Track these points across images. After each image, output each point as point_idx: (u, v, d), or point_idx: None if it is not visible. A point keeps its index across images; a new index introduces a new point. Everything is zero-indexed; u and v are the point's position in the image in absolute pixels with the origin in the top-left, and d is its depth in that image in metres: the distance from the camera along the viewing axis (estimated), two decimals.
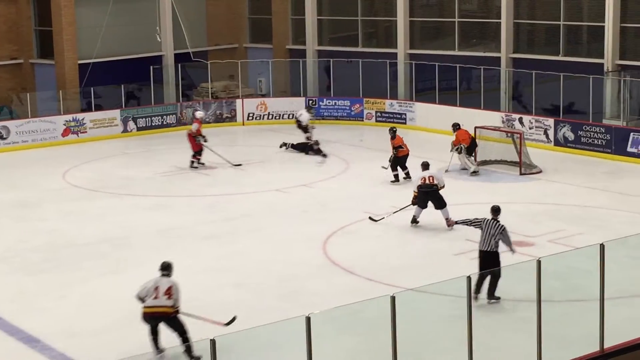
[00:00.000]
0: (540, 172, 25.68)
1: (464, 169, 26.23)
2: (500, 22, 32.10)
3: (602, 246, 12.18)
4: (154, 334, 14.12)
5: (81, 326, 15.81)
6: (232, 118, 34.79)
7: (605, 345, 12.31)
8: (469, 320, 11.36)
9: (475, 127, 27.13)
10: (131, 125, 33.31)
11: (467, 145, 26.09)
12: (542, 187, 24.54)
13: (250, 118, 34.45)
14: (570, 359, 12.08)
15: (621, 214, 21.67)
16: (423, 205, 21.04)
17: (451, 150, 26.19)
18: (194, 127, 27.75)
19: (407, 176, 25.00)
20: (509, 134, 27.19)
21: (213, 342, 9.88)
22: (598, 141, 27.89)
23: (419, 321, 14.77)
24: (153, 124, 33.70)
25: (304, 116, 29.90)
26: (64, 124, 32.14)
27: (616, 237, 18.64)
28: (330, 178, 26.18)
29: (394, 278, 17.38)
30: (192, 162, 27.40)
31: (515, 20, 32.04)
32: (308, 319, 10.32)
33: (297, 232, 21.09)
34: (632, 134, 27.33)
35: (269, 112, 34.70)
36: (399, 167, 25.20)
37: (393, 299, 10.80)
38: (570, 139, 28.40)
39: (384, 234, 20.80)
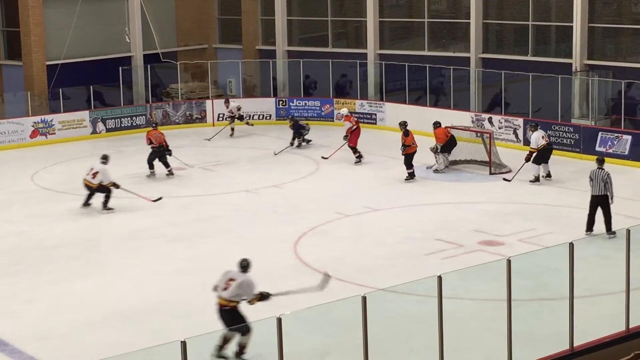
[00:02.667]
0: (509, 171, 25.79)
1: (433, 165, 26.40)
2: (469, 23, 32.22)
3: (571, 245, 12.25)
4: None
5: (50, 329, 15.70)
6: (202, 119, 34.68)
7: (575, 344, 12.38)
8: (440, 319, 11.38)
9: (445, 127, 27.21)
10: (100, 126, 33.13)
11: (442, 144, 26.20)
12: (512, 186, 24.64)
13: (220, 119, 34.37)
14: (540, 358, 12.13)
15: None
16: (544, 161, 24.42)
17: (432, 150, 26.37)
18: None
19: (411, 177, 25.19)
20: (479, 134, 27.30)
21: (184, 344, 9.83)
22: (567, 140, 28.07)
23: (390, 321, 14.81)
24: (122, 125, 33.53)
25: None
26: (32, 126, 31.91)
27: (585, 236, 18.79)
28: (301, 178, 26.17)
29: (364, 278, 17.39)
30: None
31: (484, 20, 32.17)
32: (279, 320, 10.30)
33: (267, 233, 21.05)
34: (600, 133, 27.53)
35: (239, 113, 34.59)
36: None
37: (364, 299, 10.80)
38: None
39: (354, 234, 20.82)
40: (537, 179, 24.55)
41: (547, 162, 24.83)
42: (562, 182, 24.90)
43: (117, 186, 22.98)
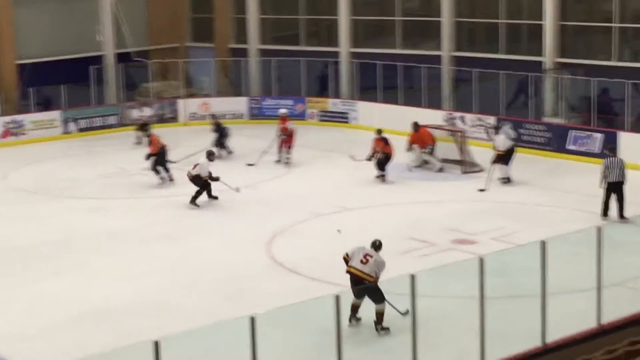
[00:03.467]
0: (482, 170, 25.88)
1: (418, 166, 26.36)
2: (441, 21, 32.32)
3: (543, 243, 12.32)
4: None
5: (24, 329, 15.62)
6: (174, 118, 34.58)
7: (547, 340, 12.46)
8: (413, 318, 11.42)
9: (424, 126, 27.29)
10: (72, 126, 32.95)
11: (432, 145, 26.25)
12: (484, 185, 24.73)
13: (192, 118, 34.27)
14: (513, 355, 12.20)
15: (562, 210, 21.95)
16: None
17: (417, 151, 26.28)
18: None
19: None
20: (451, 133, 27.38)
21: (157, 344, 9.81)
22: (538, 139, 28.21)
23: (363, 320, 14.86)
24: (94, 125, 33.36)
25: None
26: (4, 126, 31.69)
27: (557, 234, 18.89)
28: (275, 179, 26.15)
29: (338, 277, 17.38)
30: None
31: (457, 18, 32.29)
32: (252, 319, 10.30)
33: (241, 233, 21.04)
34: (571, 131, 27.69)
35: (211, 112, 34.57)
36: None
37: (337, 298, 10.82)
38: (512, 137, 28.61)
39: (327, 233, 20.82)
40: (508, 180, 24.62)
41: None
42: (533, 180, 25.02)
43: (215, 179, 23.22)
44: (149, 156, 25.62)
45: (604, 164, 21.06)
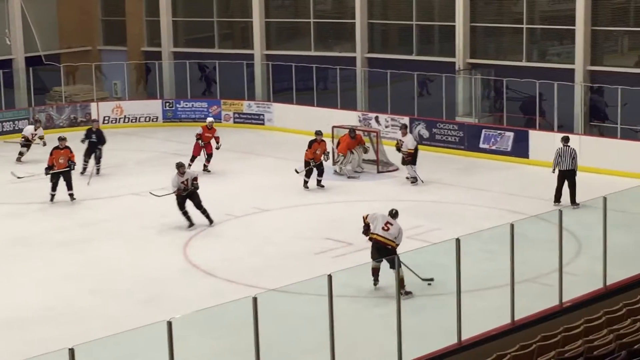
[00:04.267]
0: (397, 169, 26.09)
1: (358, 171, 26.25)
2: (354, 23, 32.49)
3: (457, 241, 12.46)
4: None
5: None
6: (87, 122, 34.04)
7: (463, 337, 12.60)
8: (331, 318, 11.44)
9: (333, 127, 27.39)
10: None
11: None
12: (400, 184, 24.95)
13: (105, 122, 33.83)
14: (429, 352, 12.31)
15: (475, 208, 22.25)
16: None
17: (357, 155, 26.18)
18: (200, 130, 26.89)
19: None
20: (366, 133, 27.54)
21: (72, 351, 9.66)
22: (452, 138, 28.57)
23: (281, 321, 14.82)
24: (4, 130, 32.68)
25: None
26: None
27: (471, 232, 19.12)
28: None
29: (255, 279, 17.38)
30: (205, 166, 26.54)
31: (369, 20, 32.49)
32: (169, 324, 10.20)
33: (156, 236, 20.83)
34: (483, 130, 28.10)
35: (125, 116, 34.17)
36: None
37: (255, 300, 10.78)
38: (425, 137, 28.98)
39: (244, 235, 20.77)
40: (415, 180, 24.77)
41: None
42: (447, 179, 25.31)
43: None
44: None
45: (557, 152, 22.10)
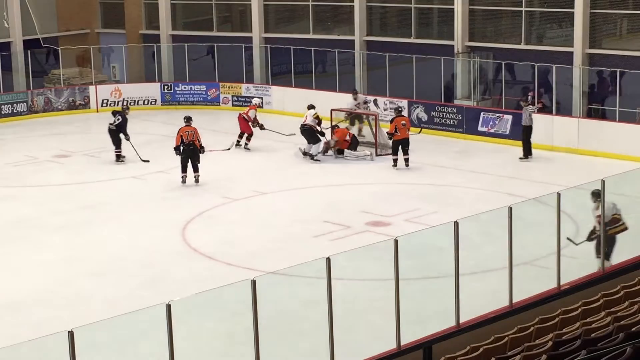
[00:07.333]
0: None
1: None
2: (353, 5, 32.41)
3: (456, 223, 12.47)
4: None
5: None
6: (85, 105, 34.05)
7: (461, 320, 12.63)
8: (329, 301, 11.46)
9: (332, 110, 27.38)
10: None
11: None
12: (397, 167, 24.93)
13: (104, 105, 33.80)
14: (428, 335, 12.35)
15: (473, 191, 22.28)
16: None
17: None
18: (252, 113, 27.36)
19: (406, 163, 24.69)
20: (365, 116, 27.52)
21: (71, 334, 9.68)
22: (450, 121, 28.57)
23: (280, 304, 14.86)
24: (2, 113, 32.65)
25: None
26: None
27: (469, 214, 19.16)
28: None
29: (254, 262, 17.42)
30: (238, 141, 27.20)
31: (368, 3, 32.41)
32: (168, 307, 10.22)
33: (155, 219, 20.86)
34: (482, 113, 28.10)
35: (123, 99, 34.14)
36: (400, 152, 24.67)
37: (254, 283, 10.81)
38: (423, 120, 28.99)
39: (242, 218, 20.81)
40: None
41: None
42: (445, 162, 25.33)
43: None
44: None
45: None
